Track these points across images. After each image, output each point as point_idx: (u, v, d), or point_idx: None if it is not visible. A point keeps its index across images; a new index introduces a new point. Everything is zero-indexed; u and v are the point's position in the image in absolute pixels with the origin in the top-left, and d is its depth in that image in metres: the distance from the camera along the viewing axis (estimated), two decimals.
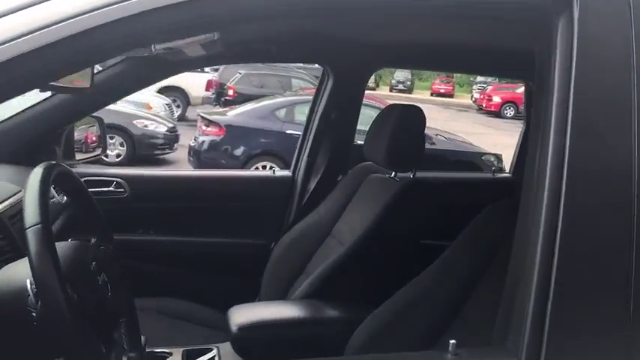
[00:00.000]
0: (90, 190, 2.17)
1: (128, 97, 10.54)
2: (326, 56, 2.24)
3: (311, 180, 2.34)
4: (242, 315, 1.55)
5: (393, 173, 1.96)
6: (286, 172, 2.47)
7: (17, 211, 1.47)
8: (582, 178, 0.82)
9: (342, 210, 2.09)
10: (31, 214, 0.91)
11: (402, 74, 26.77)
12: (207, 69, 18.02)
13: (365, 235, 1.77)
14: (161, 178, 2.42)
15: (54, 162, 1.06)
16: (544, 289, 0.81)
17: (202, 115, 7.79)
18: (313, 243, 2.09)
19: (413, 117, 1.87)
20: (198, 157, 7.43)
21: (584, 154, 0.83)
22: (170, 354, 1.57)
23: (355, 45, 2.09)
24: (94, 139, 2.60)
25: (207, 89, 14.46)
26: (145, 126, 9.01)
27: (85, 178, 2.20)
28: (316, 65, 2.88)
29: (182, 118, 12.96)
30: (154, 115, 9.82)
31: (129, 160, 8.57)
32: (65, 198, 2.11)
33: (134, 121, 8.94)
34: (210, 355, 1.57)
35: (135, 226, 2.27)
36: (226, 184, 2.41)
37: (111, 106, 8.68)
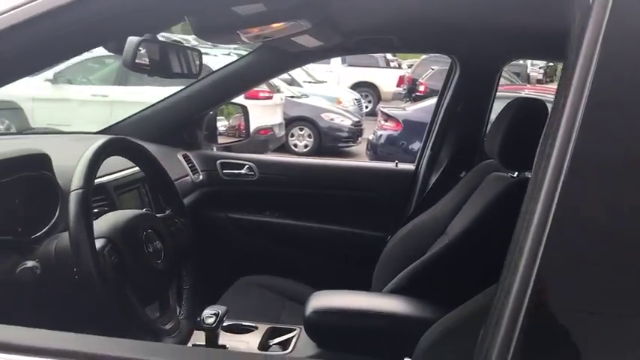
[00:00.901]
0: (225, 171, 2.41)
1: (320, 92, 11.13)
2: (453, 46, 2.14)
3: (433, 175, 2.27)
4: (319, 300, 1.57)
5: (516, 173, 1.81)
6: (409, 166, 2.41)
7: (125, 183, 1.65)
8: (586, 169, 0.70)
9: (459, 208, 1.99)
10: (77, 179, 1.03)
11: None
12: (404, 65, 18.25)
13: (462, 233, 1.67)
14: (289, 164, 2.53)
15: (119, 137, 1.19)
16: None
17: (382, 109, 7.91)
18: (425, 240, 2.01)
19: (533, 111, 1.71)
20: (375, 150, 7.56)
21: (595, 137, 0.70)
22: (255, 328, 1.64)
23: (485, 34, 1.96)
24: (244, 127, 2.81)
25: (398, 85, 14.60)
26: (332, 119, 9.41)
27: (221, 160, 2.40)
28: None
29: (371, 113, 13.23)
30: (342, 109, 10.21)
31: (315, 151, 9.02)
32: (201, 177, 2.33)
33: (322, 115, 9.39)
34: (290, 335, 1.62)
35: (262, 208, 2.40)
36: (350, 174, 2.44)
37: (303, 100, 9.19)
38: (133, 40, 1.37)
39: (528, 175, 1.77)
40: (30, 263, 1.07)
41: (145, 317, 1.09)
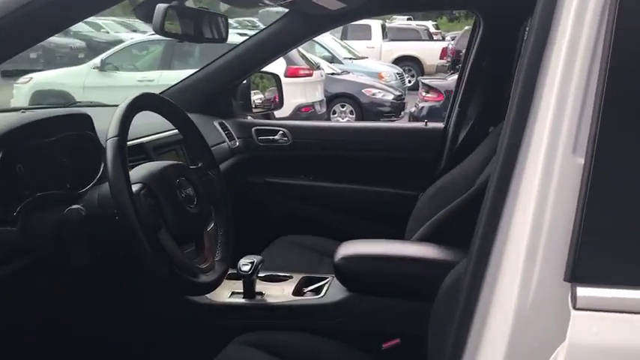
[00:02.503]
0: (260, 137, 2.50)
1: (362, 67, 11.06)
2: (476, 1, 2.15)
3: (462, 131, 2.30)
4: (348, 247, 1.65)
5: None
6: (439, 124, 2.45)
7: (164, 144, 1.77)
8: None
9: (487, 162, 2.03)
10: (112, 128, 1.14)
11: None
12: (447, 37, 17.91)
13: (482, 183, 1.72)
14: (320, 128, 2.60)
15: (150, 93, 1.28)
16: None
17: (423, 81, 7.85)
18: (456, 194, 2.06)
19: None
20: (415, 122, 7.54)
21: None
22: (290, 277, 1.74)
23: None
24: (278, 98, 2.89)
25: (441, 57, 14.41)
26: (373, 94, 9.39)
27: (256, 127, 2.50)
28: None
29: (415, 87, 13.08)
30: (384, 84, 10.18)
31: None
32: (237, 143, 2.43)
33: (363, 90, 9.38)
34: (324, 282, 1.71)
35: (297, 171, 2.49)
36: (380, 135, 2.50)
37: (343, 76, 9.13)
38: (161, 7, 1.47)
39: None
40: (75, 206, 1.18)
41: (180, 255, 1.19)
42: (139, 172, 1.21)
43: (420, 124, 2.50)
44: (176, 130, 1.89)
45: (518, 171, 0.74)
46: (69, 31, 14.93)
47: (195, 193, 1.29)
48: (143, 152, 1.66)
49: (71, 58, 12.34)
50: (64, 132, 1.34)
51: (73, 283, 1.34)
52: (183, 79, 2.40)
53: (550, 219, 0.69)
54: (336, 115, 9.30)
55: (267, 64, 2.45)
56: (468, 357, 0.76)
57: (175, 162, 1.34)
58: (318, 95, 8.39)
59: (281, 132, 2.49)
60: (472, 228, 1.71)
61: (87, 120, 1.41)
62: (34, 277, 1.19)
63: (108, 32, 15.77)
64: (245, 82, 2.48)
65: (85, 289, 1.44)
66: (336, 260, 1.60)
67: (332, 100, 9.16)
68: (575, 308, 0.64)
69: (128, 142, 1.62)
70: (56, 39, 14.29)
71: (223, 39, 1.74)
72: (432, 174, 2.34)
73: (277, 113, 2.86)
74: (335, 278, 1.70)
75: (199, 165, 1.43)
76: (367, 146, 2.44)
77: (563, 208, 0.69)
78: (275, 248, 2.20)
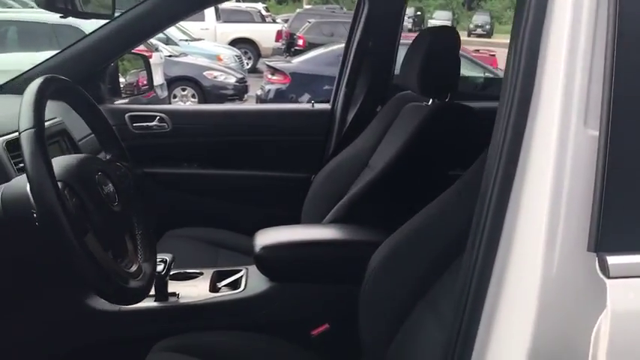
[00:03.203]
0: (135, 124, 2.30)
1: (199, 49, 10.78)
2: None
3: (349, 112, 2.32)
4: (266, 237, 1.58)
5: (430, 101, 1.90)
6: (325, 105, 2.45)
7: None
8: None
9: (380, 140, 2.06)
10: (25, 119, 0.95)
11: (480, 17, 25.58)
12: (278, 20, 18.08)
13: (392, 160, 1.74)
14: (202, 112, 2.47)
15: (53, 76, 1.10)
16: None
17: (268, 63, 7.87)
18: (350, 174, 2.08)
19: (446, 39, 1.80)
20: None
21: None
22: (200, 274, 1.62)
23: None
24: (144, 82, 2.68)
25: (277, 40, 14.50)
26: (215, 77, 9.19)
27: (130, 113, 2.29)
28: None
29: (253, 70, 13.07)
30: (225, 66, 9.99)
31: None
32: None
33: (204, 73, 9.14)
34: (238, 275, 1.62)
35: (179, 160, 2.34)
36: (266, 118, 2.43)
37: (182, 59, 8.81)
38: None
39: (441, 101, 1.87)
40: None
41: (110, 260, 1.04)
42: (55, 168, 1.03)
43: (306, 106, 2.48)
44: (55, 119, 1.68)
45: (524, 152, 0.73)
46: None
47: (114, 189, 1.13)
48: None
49: None
50: None
51: None
52: (41, 63, 2.11)
53: (568, 193, 0.70)
54: (177, 99, 8.96)
55: (138, 45, 2.25)
56: (480, 347, 0.75)
57: (89, 155, 1.17)
58: (158, 79, 7.95)
59: (158, 117, 2.31)
60: (386, 207, 1.74)
61: None
62: None
63: None
64: (112, 64, 2.26)
65: None
66: (257, 251, 1.52)
67: (172, 83, 8.79)
68: (608, 277, 0.66)
69: (8, 135, 1.40)
70: None
71: (109, 15, 1.56)
72: (323, 155, 2.34)
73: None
74: (249, 270, 1.62)
75: (108, 157, 1.26)
76: (253, 130, 2.36)
77: (581, 181, 0.70)
78: (165, 244, 2.05)
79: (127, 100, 2.59)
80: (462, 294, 0.81)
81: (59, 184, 0.98)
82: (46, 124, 1.59)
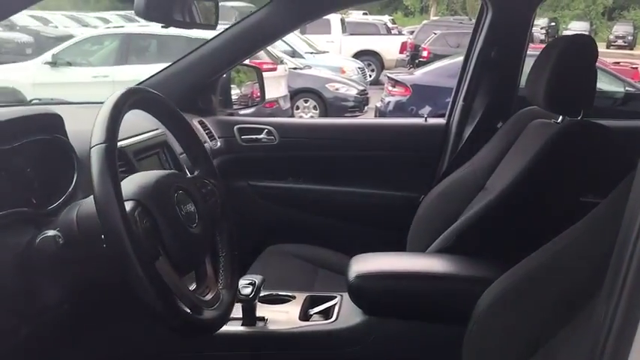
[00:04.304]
0: (243, 136, 2.27)
1: (324, 62, 10.99)
2: None
3: (466, 127, 2.12)
4: (362, 263, 1.45)
5: (560, 118, 1.67)
6: (440, 120, 2.27)
7: (144, 148, 1.52)
8: None
9: (499, 160, 1.85)
10: (97, 133, 0.90)
11: (622, 28, 23.71)
12: (404, 32, 17.95)
13: (513, 183, 1.53)
14: (310, 126, 2.39)
15: (140, 87, 1.05)
16: None
17: (389, 75, 7.74)
18: (464, 197, 1.89)
19: (581, 48, 1.56)
20: (383, 117, 7.40)
21: None
22: (293, 297, 1.53)
23: None
24: (258, 94, 2.67)
25: (401, 52, 14.38)
26: (337, 89, 9.27)
27: (239, 125, 2.26)
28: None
29: (375, 82, 13.03)
30: (347, 78, 10.03)
31: None
32: (218, 144, 2.19)
33: (326, 85, 9.25)
34: (331, 302, 1.50)
35: (284, 173, 2.27)
36: (376, 133, 2.30)
37: (306, 71, 9.02)
38: None
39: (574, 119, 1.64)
40: (51, 232, 0.94)
41: (183, 288, 0.97)
42: (129, 186, 0.97)
43: (419, 120, 2.32)
44: (158, 131, 1.66)
45: None
46: (15, 26, 14.24)
47: (195, 209, 1.06)
48: (122, 158, 1.41)
49: (17, 54, 11.71)
50: (30, 137, 1.09)
51: (37, 329, 1.06)
52: (156, 73, 2.13)
53: None
54: (299, 111, 9.12)
55: (251, 56, 2.22)
56: None
57: (171, 171, 1.10)
58: (282, 90, 8.16)
59: (266, 130, 2.26)
60: (503, 237, 1.54)
61: (57, 120, 1.16)
62: None
63: (56, 27, 15.10)
64: (225, 75, 2.24)
65: (52, 336, 1.17)
66: (351, 279, 1.39)
67: (295, 95, 8.99)
68: None
69: None
70: (0, 33, 13.61)
71: (213, 26, 1.51)
72: (434, 174, 2.16)
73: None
74: (344, 298, 1.50)
75: (196, 173, 1.20)
76: (362, 145, 2.24)
77: None
78: (265, 260, 1.98)
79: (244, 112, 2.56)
80: (595, 351, 0.63)
81: (131, 203, 0.92)
82: (147, 135, 1.60)
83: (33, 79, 7.48)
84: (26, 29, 13.84)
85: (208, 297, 1.05)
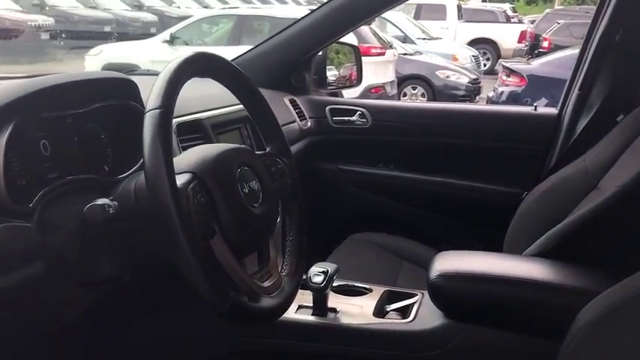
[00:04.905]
0: (335, 118, 2.19)
1: (435, 49, 10.72)
2: None
3: (581, 119, 1.89)
4: (447, 261, 1.31)
5: None
6: (551, 110, 2.05)
7: (225, 122, 1.47)
8: None
9: (616, 158, 1.63)
10: (153, 97, 0.84)
11: None
12: (524, 20, 17.04)
13: (632, 184, 1.33)
14: (405, 109, 2.25)
15: (207, 52, 0.98)
16: None
17: (504, 64, 7.34)
18: (573, 196, 1.69)
19: None
20: None
21: None
22: (370, 290, 1.42)
23: None
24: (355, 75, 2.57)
25: (519, 41, 13.70)
26: (448, 77, 9.02)
27: (331, 106, 2.18)
28: None
29: (490, 72, 12.50)
30: (459, 66, 9.68)
31: None
32: (309, 124, 2.12)
33: (437, 72, 9.02)
34: (411, 300, 1.38)
35: (375, 159, 2.16)
36: (478, 120, 2.11)
37: (416, 57, 8.83)
38: None
39: None
40: (100, 201, 0.89)
41: (239, 270, 0.89)
42: (188, 158, 0.91)
43: (528, 109, 2.11)
44: (240, 106, 1.61)
45: None
46: (142, 5, 15.10)
47: (260, 187, 0.98)
48: (200, 130, 1.37)
49: (143, 32, 12.41)
50: (103, 101, 1.06)
51: (101, 299, 1.04)
52: (250, 49, 2.09)
53: None
54: (406, 98, 8.94)
55: (348, 33, 2.11)
56: None
57: (237, 145, 1.03)
58: (389, 75, 8.00)
59: (359, 112, 2.15)
60: (614, 245, 1.35)
61: (132, 87, 1.12)
62: (45, 292, 0.90)
63: (179, 7, 15.82)
64: (321, 54, 2.16)
65: (108, 311, 1.14)
66: (432, 277, 1.26)
67: (403, 81, 8.82)
68: None
69: (182, 117, 1.35)
70: (129, 13, 14.49)
71: None
72: (541, 169, 1.96)
73: (345, 93, 2.54)
74: (425, 296, 1.37)
75: (268, 150, 1.12)
76: (461, 132, 2.08)
77: None
78: (347, 248, 1.89)
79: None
80: None
81: (186, 176, 0.86)
82: (230, 109, 1.55)
83: (152, 57, 7.85)
84: (152, 9, 14.64)
85: (268, 283, 0.97)
